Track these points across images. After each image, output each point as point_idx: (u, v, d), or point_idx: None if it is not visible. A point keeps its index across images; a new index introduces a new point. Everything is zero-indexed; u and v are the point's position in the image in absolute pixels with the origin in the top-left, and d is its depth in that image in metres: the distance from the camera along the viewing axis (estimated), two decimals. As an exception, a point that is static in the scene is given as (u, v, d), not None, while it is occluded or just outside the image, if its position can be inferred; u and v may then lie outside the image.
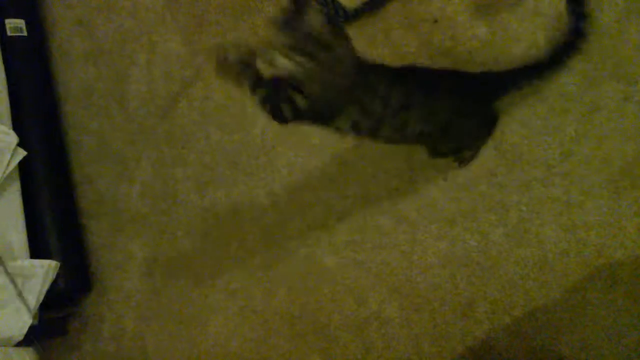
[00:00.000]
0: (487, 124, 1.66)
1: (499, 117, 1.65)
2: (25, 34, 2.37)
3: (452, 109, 1.48)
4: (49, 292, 2.11)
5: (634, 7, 1.56)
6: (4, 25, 2.32)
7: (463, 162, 1.73)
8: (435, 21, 1.81)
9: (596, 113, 1.58)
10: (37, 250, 2.16)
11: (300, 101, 1.34)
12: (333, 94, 1.37)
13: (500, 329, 1.65)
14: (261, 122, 2.04)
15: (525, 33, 1.69)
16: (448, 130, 1.51)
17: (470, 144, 1.69)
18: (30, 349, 2.09)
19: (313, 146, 1.94)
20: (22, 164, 2.18)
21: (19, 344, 2.07)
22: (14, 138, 2.16)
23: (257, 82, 1.37)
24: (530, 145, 1.65)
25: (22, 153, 2.17)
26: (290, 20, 1.28)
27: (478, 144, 1.70)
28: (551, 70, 1.60)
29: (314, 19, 1.26)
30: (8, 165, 2.12)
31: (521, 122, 1.66)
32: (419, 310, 1.76)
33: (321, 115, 1.42)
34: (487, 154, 1.70)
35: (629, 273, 1.52)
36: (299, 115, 1.38)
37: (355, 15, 1.89)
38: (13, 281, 2.05)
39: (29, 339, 2.10)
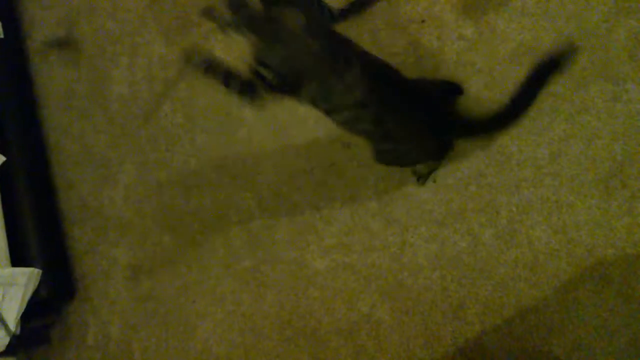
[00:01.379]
0: (439, 149, 1.68)
1: (453, 147, 1.70)
2: (1, 35, 2.32)
3: (401, 123, 1.51)
4: (31, 300, 2.06)
5: (622, 8, 1.57)
6: (-21, 27, 2.27)
7: (421, 178, 1.74)
8: (423, 21, 1.81)
9: (585, 113, 1.59)
10: (18, 258, 2.11)
11: (268, 75, 1.42)
12: (294, 68, 1.42)
13: (491, 330, 1.65)
14: (247, 124, 2.02)
15: (513, 33, 1.69)
16: (391, 138, 1.54)
17: (420, 159, 1.69)
18: (12, 360, 2.06)
19: (300, 148, 1.92)
20: (0, 170, 2.13)
21: (1, 355, 2.03)
22: (-9, 143, 2.12)
23: (229, 74, 1.46)
24: (520, 145, 1.65)
25: (0, 158, 2.13)
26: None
27: (430, 163, 1.72)
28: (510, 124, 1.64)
29: None
30: (-14, 171, 2.08)
31: (510, 123, 1.67)
32: (409, 312, 1.75)
33: (289, 87, 1.47)
34: (476, 155, 1.69)
35: (619, 273, 1.52)
36: (272, 89, 1.46)
37: (342, 16, 1.87)
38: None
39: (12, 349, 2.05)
